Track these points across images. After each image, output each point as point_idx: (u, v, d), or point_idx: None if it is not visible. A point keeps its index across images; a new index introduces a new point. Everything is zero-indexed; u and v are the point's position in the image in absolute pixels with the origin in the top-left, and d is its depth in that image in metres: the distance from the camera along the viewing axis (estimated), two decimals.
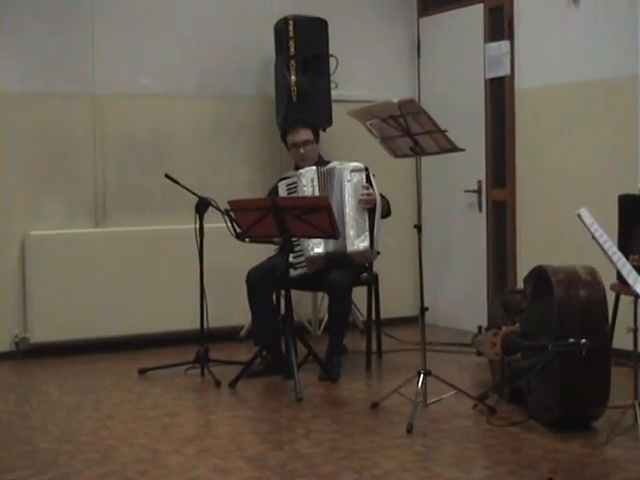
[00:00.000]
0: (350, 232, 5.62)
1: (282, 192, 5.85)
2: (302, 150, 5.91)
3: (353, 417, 4.77)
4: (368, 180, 5.71)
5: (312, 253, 5.66)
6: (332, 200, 5.43)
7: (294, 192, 5.80)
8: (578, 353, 4.18)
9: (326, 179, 5.74)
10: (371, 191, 5.64)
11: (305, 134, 5.92)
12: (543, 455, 4.09)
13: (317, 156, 5.98)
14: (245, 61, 7.03)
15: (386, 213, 5.83)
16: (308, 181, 5.74)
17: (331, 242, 5.59)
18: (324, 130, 6.61)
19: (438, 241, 7.30)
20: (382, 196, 5.73)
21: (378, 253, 5.84)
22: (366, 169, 5.74)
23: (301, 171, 5.80)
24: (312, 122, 6.08)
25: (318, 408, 4.96)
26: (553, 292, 4.33)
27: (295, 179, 5.82)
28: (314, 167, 5.80)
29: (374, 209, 5.64)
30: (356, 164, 5.74)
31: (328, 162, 5.92)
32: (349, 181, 5.70)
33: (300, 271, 5.71)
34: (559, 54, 6.21)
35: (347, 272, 5.61)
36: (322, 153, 6.09)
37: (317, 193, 5.69)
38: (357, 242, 5.63)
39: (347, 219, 5.63)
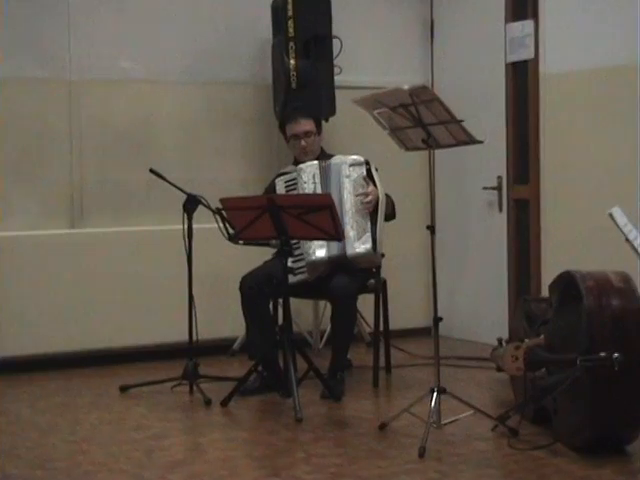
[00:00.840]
0: (350, 233, 5.62)
1: (280, 190, 5.85)
2: (303, 142, 5.91)
3: (359, 440, 4.77)
4: (369, 175, 5.71)
5: (313, 257, 5.66)
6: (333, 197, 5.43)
7: (293, 190, 5.80)
8: (610, 369, 4.18)
9: (327, 174, 5.74)
10: (370, 189, 5.65)
11: (307, 124, 5.92)
12: None
13: (319, 149, 5.99)
14: (238, 43, 7.03)
15: (390, 215, 5.82)
16: (309, 177, 5.74)
17: (334, 245, 5.59)
18: (327, 120, 6.61)
19: (453, 244, 7.30)
20: (387, 195, 5.73)
21: (383, 255, 5.85)
22: (366, 162, 5.74)
23: (301, 166, 5.81)
24: (314, 112, 6.08)
25: (320, 430, 4.96)
26: (582, 301, 4.33)
27: (295, 175, 5.82)
28: (316, 162, 5.81)
29: (376, 207, 5.64)
30: (355, 157, 5.75)
31: (331, 156, 5.92)
32: (347, 177, 5.70)
33: (300, 277, 5.71)
34: (590, 35, 6.20)
35: (352, 278, 5.61)
36: (324, 146, 6.09)
37: (319, 191, 5.69)
38: (358, 244, 5.64)
39: (346, 219, 5.62)
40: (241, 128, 7.07)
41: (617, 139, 6.11)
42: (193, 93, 6.94)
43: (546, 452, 4.42)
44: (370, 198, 5.65)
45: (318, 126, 5.98)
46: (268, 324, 5.73)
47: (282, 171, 6.04)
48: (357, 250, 5.64)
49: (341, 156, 5.84)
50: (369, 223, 5.67)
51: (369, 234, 5.65)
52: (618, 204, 4.19)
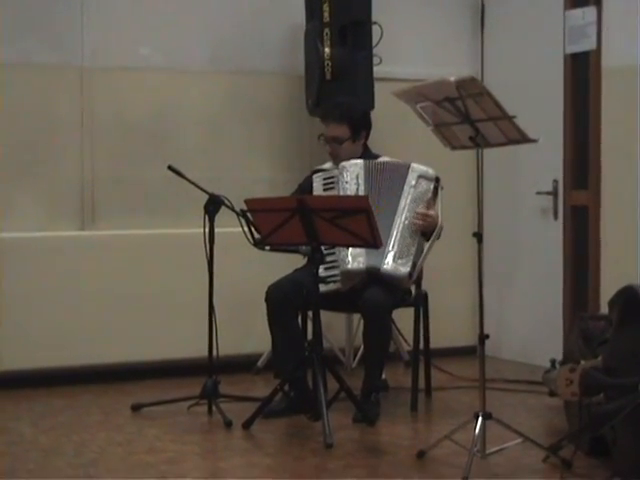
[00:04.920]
0: (392, 248, 5.61)
1: (318, 187, 5.86)
2: (329, 147, 5.92)
3: (394, 469, 4.77)
4: (435, 194, 5.70)
5: (349, 266, 5.64)
6: (381, 202, 5.42)
7: (332, 189, 5.81)
8: None
9: (377, 176, 5.73)
10: (432, 212, 5.65)
11: (337, 130, 5.90)
12: None
13: (357, 154, 5.91)
14: (268, 29, 7.07)
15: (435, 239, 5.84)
16: (352, 178, 5.73)
17: (373, 255, 5.58)
18: None
19: (503, 254, 7.29)
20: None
21: (413, 283, 5.87)
22: (436, 179, 5.73)
23: (344, 164, 5.80)
24: (354, 115, 5.94)
25: (351, 457, 4.95)
26: None
27: (335, 172, 5.83)
28: (360, 161, 5.79)
29: (430, 233, 5.65)
30: (426, 169, 5.73)
31: (377, 156, 5.92)
32: (413, 187, 5.70)
33: (332, 286, 5.71)
34: None
35: (387, 290, 5.59)
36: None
37: (362, 193, 5.67)
38: (396, 264, 5.62)
39: (394, 231, 5.62)
40: (269, 123, 7.09)
41: None
42: (217, 83, 6.98)
43: None
44: (429, 221, 5.66)
45: (355, 132, 5.92)
46: (296, 339, 5.73)
47: (320, 167, 6.04)
48: (393, 269, 5.62)
49: (388, 157, 5.81)
50: (416, 246, 5.66)
51: (412, 257, 5.64)
52: None
